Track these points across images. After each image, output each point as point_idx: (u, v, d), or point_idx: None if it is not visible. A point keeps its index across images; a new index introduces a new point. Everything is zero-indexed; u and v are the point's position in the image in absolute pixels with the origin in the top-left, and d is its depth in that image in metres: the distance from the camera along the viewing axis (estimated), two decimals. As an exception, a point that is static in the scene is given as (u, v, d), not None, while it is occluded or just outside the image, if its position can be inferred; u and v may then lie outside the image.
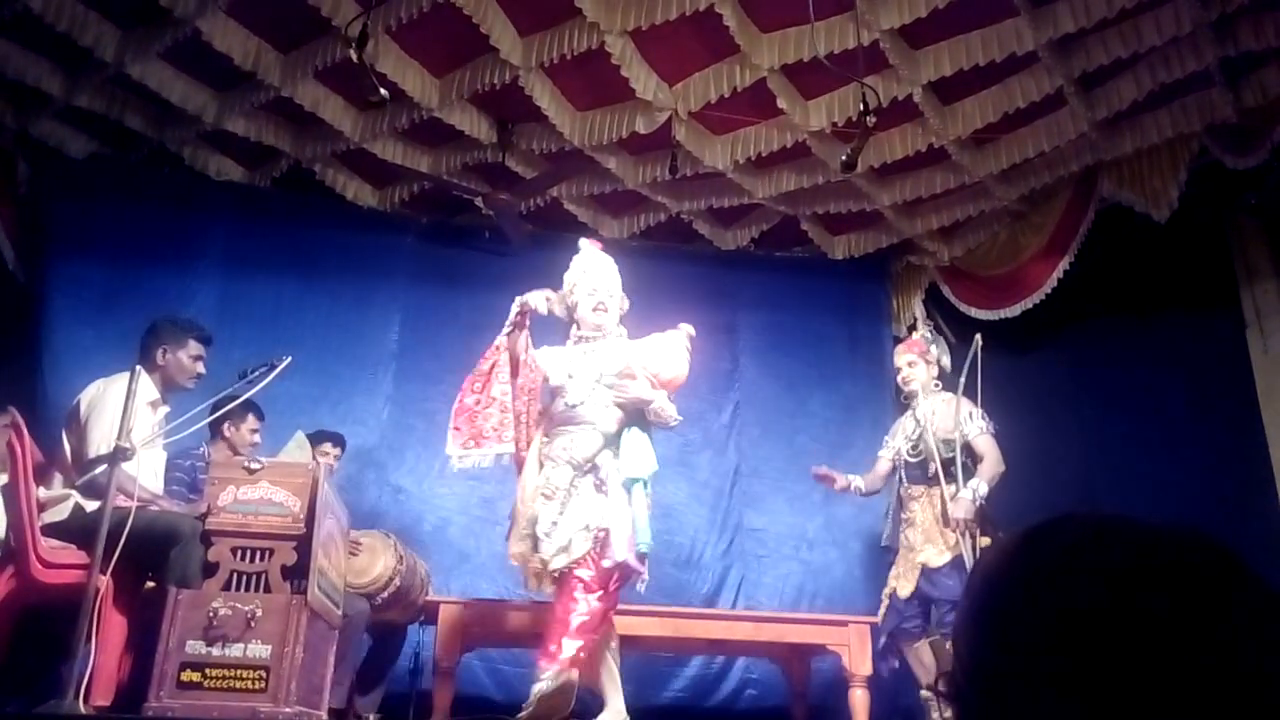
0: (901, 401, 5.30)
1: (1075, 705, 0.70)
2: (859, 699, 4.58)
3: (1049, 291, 5.95)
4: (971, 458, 4.73)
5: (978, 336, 4.85)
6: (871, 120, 4.32)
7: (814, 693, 5.26)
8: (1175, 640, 0.70)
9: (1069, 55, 4.79)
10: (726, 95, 5.18)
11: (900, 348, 5.26)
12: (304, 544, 3.29)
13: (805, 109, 5.36)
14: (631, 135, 5.48)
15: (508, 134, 5.76)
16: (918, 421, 4.94)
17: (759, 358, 6.62)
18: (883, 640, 4.79)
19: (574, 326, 4.05)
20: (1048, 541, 0.80)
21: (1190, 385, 5.48)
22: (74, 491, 3.53)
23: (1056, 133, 5.34)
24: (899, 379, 5.16)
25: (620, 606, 4.16)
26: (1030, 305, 6.07)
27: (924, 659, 4.72)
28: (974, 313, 6.46)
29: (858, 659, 4.63)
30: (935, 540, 4.69)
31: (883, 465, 5.11)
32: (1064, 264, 5.84)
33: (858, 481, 5.09)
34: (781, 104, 5.21)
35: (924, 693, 4.65)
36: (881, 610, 4.88)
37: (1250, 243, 5.50)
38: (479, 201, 6.10)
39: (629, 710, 3.83)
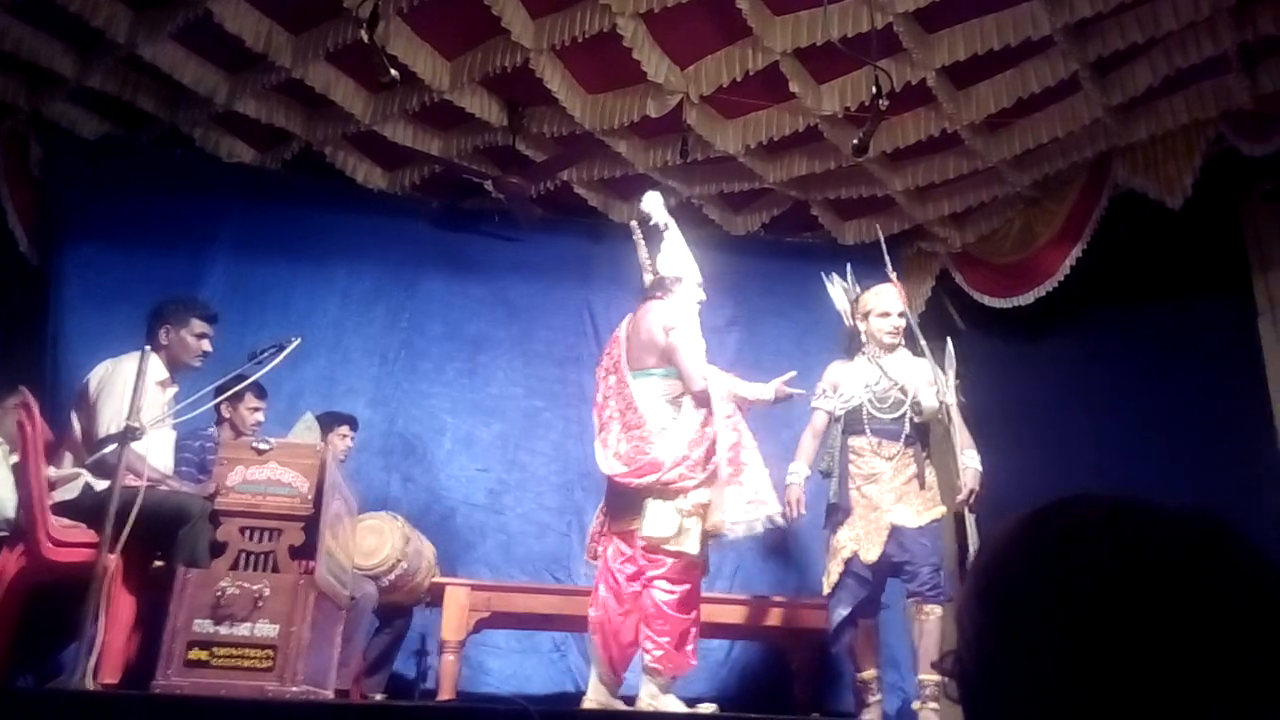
0: (852, 347, 4.76)
1: (1080, 683, 0.70)
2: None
3: (1061, 279, 5.91)
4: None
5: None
6: (884, 104, 4.29)
7: (826, 673, 5.25)
8: (1182, 621, 0.69)
9: (1085, 40, 4.74)
10: (738, 79, 5.14)
11: (896, 291, 4.69)
12: (312, 524, 3.31)
13: (818, 93, 5.32)
14: (642, 119, 5.45)
15: (518, 117, 5.73)
16: (883, 372, 4.52)
17: (765, 346, 6.56)
18: (844, 614, 4.26)
19: None
20: (1057, 520, 0.79)
21: (1201, 372, 5.47)
22: (84, 470, 3.56)
23: (1071, 118, 5.29)
24: (889, 327, 4.58)
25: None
26: (1044, 293, 6.03)
27: (872, 638, 4.46)
28: (987, 300, 6.42)
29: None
30: (909, 500, 4.34)
31: (820, 420, 4.66)
32: (1077, 251, 5.80)
33: (803, 473, 4.61)
34: (794, 88, 5.18)
35: (862, 675, 4.42)
36: (833, 578, 4.33)
37: (1264, 230, 5.47)
38: (489, 185, 6.08)
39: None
